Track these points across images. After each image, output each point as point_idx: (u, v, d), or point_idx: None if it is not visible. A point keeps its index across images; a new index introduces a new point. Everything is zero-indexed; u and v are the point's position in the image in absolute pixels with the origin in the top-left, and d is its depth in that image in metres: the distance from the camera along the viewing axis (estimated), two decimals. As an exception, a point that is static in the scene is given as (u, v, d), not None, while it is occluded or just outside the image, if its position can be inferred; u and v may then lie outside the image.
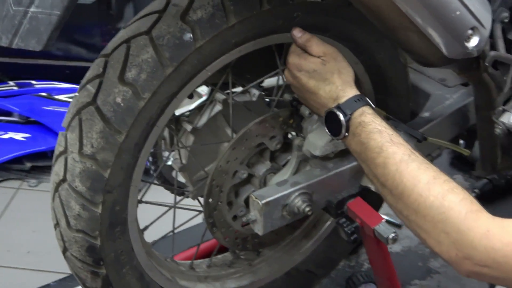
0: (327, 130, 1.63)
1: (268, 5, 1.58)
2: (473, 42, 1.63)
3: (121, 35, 1.58)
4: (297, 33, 1.66)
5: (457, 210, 1.36)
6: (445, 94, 2.13)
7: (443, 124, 2.06)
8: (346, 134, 1.58)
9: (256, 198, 1.74)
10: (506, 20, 1.88)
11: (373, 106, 1.62)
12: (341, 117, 1.57)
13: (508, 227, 1.32)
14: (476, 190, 2.93)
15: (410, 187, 1.42)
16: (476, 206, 1.37)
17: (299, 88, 1.69)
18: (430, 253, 2.72)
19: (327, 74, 1.62)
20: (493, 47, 1.84)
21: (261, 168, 1.86)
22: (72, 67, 3.83)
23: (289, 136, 1.91)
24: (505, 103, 1.99)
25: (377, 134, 1.52)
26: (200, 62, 1.56)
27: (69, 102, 3.52)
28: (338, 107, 1.58)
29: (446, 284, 2.56)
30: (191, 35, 1.52)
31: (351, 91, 1.62)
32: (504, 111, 1.97)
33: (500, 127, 1.98)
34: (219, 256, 2.09)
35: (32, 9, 1.36)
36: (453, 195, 1.38)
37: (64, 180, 1.59)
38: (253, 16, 1.58)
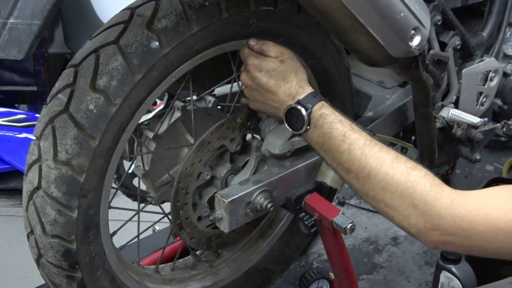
0: (287, 127, 1.73)
1: (226, 13, 1.68)
2: (416, 41, 1.77)
3: (89, 46, 1.64)
4: (253, 41, 1.77)
5: (422, 183, 1.47)
6: (385, 95, 2.28)
7: (385, 122, 2.20)
8: (308, 127, 1.68)
9: (221, 197, 1.83)
10: (439, 23, 2.03)
11: (328, 101, 1.73)
12: (303, 111, 1.68)
13: (470, 196, 1.45)
14: (411, 189, 3.07)
15: (376, 167, 1.54)
16: (438, 180, 1.50)
17: (256, 90, 1.78)
18: (374, 249, 2.85)
19: (286, 73, 1.73)
20: (429, 47, 1.99)
21: (222, 170, 1.95)
22: (5, 91, 3.81)
23: (247, 138, 2.01)
24: (443, 98, 2.15)
25: (339, 123, 1.64)
26: (166, 68, 1.65)
27: (3, 125, 3.54)
28: (299, 102, 1.70)
29: (392, 277, 2.70)
30: (158, 43, 1.61)
31: (308, 88, 1.74)
32: (443, 106, 2.12)
33: (440, 121, 2.12)
34: (181, 260, 2.15)
35: (11, 20, 1.42)
36: (416, 171, 1.50)
37: (38, 187, 1.63)
38: (214, 24, 1.68)
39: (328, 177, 1.92)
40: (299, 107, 1.69)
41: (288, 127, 1.73)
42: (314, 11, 1.68)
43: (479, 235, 1.42)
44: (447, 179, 3.26)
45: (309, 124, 1.68)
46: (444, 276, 2.36)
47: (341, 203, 3.16)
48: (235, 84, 1.97)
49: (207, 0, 1.65)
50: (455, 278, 2.32)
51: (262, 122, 1.92)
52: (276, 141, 1.87)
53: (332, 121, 1.65)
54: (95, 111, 1.58)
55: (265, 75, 1.74)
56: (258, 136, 1.97)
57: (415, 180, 1.49)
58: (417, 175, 1.50)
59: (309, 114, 1.68)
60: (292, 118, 1.71)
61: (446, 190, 1.47)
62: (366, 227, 2.99)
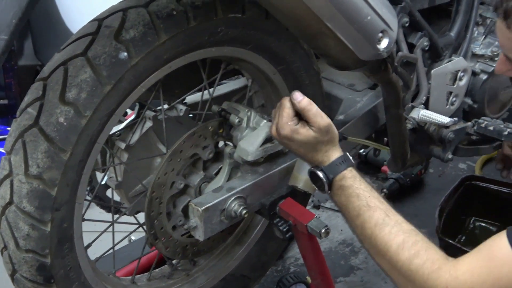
0: (313, 184, 1.79)
1: (194, 22, 1.69)
2: (384, 44, 1.78)
3: (57, 58, 1.64)
4: (297, 97, 1.73)
5: (421, 273, 1.58)
6: (356, 97, 2.29)
7: (357, 125, 2.21)
8: (329, 192, 1.76)
9: (195, 205, 1.83)
10: (407, 25, 2.05)
11: (354, 167, 1.77)
12: (325, 181, 1.74)
13: (462, 276, 1.54)
14: (385, 190, 3.10)
15: (383, 251, 1.64)
16: (437, 264, 1.58)
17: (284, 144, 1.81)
18: (350, 251, 2.86)
19: (317, 145, 1.75)
20: (398, 49, 2.01)
21: (196, 178, 1.95)
22: (-25, 104, 3.79)
23: (220, 145, 2.01)
24: (413, 100, 2.16)
25: (355, 198, 1.71)
26: (135, 78, 1.65)
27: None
28: (322, 170, 1.75)
29: (369, 279, 2.71)
30: (126, 54, 1.61)
31: (335, 154, 1.77)
32: (413, 107, 2.14)
33: (411, 122, 2.14)
34: (158, 270, 2.15)
35: (-24, 36, 1.41)
36: (417, 259, 1.59)
37: (10, 202, 1.63)
38: (182, 33, 1.68)
39: (300, 181, 1.92)
40: (321, 175, 1.75)
41: (313, 185, 1.80)
42: (282, 17, 1.69)
43: None
44: (421, 179, 3.28)
45: (329, 190, 1.75)
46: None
47: (317, 207, 3.17)
48: (205, 91, 1.98)
49: (174, 9, 1.65)
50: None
51: (234, 129, 1.92)
52: (248, 147, 1.87)
53: (349, 195, 1.72)
54: (65, 124, 1.58)
55: (295, 144, 1.76)
56: (230, 143, 1.97)
57: (415, 269, 1.58)
58: (417, 263, 1.59)
59: (330, 183, 1.74)
60: (316, 180, 1.77)
61: (442, 275, 1.56)
62: (341, 230, 3.00)
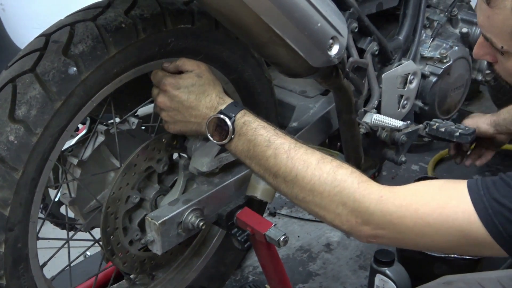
0: (211, 138, 1.71)
1: (144, 34, 1.67)
2: (334, 50, 1.79)
3: (5, 75, 1.61)
4: (166, 64, 1.76)
5: (350, 181, 1.50)
6: (308, 104, 2.29)
7: (310, 131, 2.21)
8: (233, 136, 1.68)
9: (152, 219, 1.80)
10: (356, 30, 2.06)
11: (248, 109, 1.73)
12: (227, 120, 1.67)
13: (398, 192, 1.49)
14: (340, 194, 3.10)
15: (303, 169, 1.55)
16: (365, 177, 1.53)
17: (176, 109, 1.75)
18: (308, 257, 2.86)
19: (205, 86, 1.73)
20: (348, 55, 2.02)
21: (151, 191, 1.93)
22: None
23: (174, 157, 2.00)
24: (365, 104, 2.18)
25: (263, 129, 1.65)
26: (86, 93, 1.62)
27: None
28: (221, 112, 1.69)
29: (327, 284, 2.71)
30: (75, 68, 1.58)
31: (228, 98, 1.75)
32: (365, 112, 2.15)
33: (364, 127, 2.15)
34: (115, 286, 2.12)
35: None
36: (343, 170, 1.53)
37: (-38, 224, 1.59)
38: (131, 45, 1.66)
39: (258, 191, 1.92)
40: (222, 116, 1.68)
41: (212, 139, 1.71)
42: (232, 26, 1.68)
43: (409, 230, 1.46)
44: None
45: (233, 133, 1.68)
46: (378, 279, 2.39)
47: (272, 214, 3.17)
48: (158, 103, 1.96)
49: (123, 22, 1.64)
50: (390, 281, 2.35)
51: (188, 141, 1.91)
52: (203, 158, 1.86)
53: (256, 128, 1.66)
54: (15, 142, 1.55)
55: (184, 91, 1.73)
56: (185, 155, 1.96)
57: (342, 179, 1.51)
58: (343, 173, 1.52)
59: (233, 123, 1.67)
60: (216, 129, 1.70)
61: (374, 186, 1.51)
62: (298, 236, 3.01)
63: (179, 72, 1.77)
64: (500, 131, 2.41)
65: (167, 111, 1.77)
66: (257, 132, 1.65)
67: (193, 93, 1.73)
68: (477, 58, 1.70)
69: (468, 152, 2.56)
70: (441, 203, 1.43)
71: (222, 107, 1.71)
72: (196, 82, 1.73)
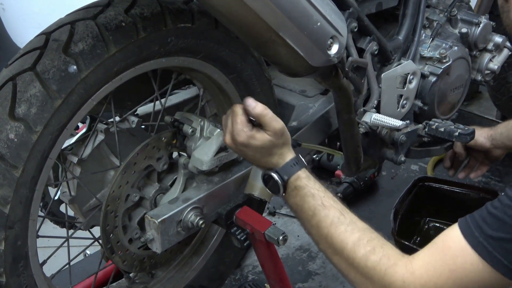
0: (267, 189, 1.80)
1: (144, 33, 1.67)
2: (334, 49, 1.79)
3: (5, 74, 1.61)
4: (251, 103, 1.71)
5: (378, 269, 1.60)
6: (308, 103, 2.30)
7: (310, 131, 2.22)
8: (284, 194, 1.76)
9: (151, 217, 1.81)
10: (355, 30, 2.06)
11: (307, 168, 1.79)
12: (279, 182, 1.74)
13: (418, 271, 1.57)
14: (339, 194, 3.11)
15: (340, 249, 1.65)
16: (393, 260, 1.60)
17: (239, 152, 1.80)
18: (308, 257, 2.87)
19: (273, 149, 1.75)
20: (348, 54, 2.02)
21: (151, 190, 1.93)
22: None
23: (174, 156, 2.00)
24: (364, 104, 2.18)
25: (311, 197, 1.72)
26: (86, 92, 1.63)
27: None
28: (276, 172, 1.75)
29: (327, 283, 2.71)
30: (76, 67, 1.59)
31: (288, 156, 1.77)
32: (365, 111, 2.15)
33: (363, 126, 2.15)
34: (114, 284, 2.13)
35: None
36: (374, 256, 1.61)
37: (-38, 222, 1.59)
38: (131, 44, 1.66)
39: (256, 189, 1.91)
40: (276, 177, 1.75)
41: (266, 188, 1.80)
42: (232, 25, 1.68)
43: None
44: (374, 182, 3.30)
45: (284, 192, 1.76)
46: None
47: (272, 213, 3.17)
48: (157, 102, 1.97)
49: (123, 21, 1.64)
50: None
51: (188, 139, 1.91)
52: (203, 157, 1.87)
53: (304, 195, 1.72)
54: (15, 140, 1.55)
55: (251, 150, 1.74)
56: (184, 154, 1.96)
57: (372, 266, 1.61)
58: (373, 260, 1.61)
59: (284, 186, 1.75)
60: (270, 183, 1.77)
61: (398, 271, 1.58)
62: (298, 236, 3.00)
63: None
64: (496, 145, 2.44)
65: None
66: (305, 199, 1.72)
67: (259, 153, 1.75)
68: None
69: (463, 165, 2.58)
70: (451, 267, 1.53)
71: (280, 166, 1.76)
72: (267, 145, 1.73)
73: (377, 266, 1.60)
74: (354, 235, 1.64)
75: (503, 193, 1.51)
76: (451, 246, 1.54)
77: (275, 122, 1.73)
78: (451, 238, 1.55)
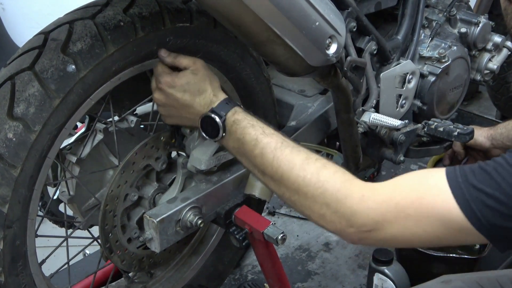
0: (204, 135, 1.74)
1: (142, 32, 1.67)
2: (332, 49, 1.80)
3: (3, 73, 1.61)
4: (164, 53, 1.75)
5: (332, 182, 1.50)
6: (307, 103, 2.30)
7: (309, 130, 2.22)
8: (224, 134, 1.71)
9: (150, 217, 1.81)
10: (354, 30, 2.06)
11: (242, 106, 1.75)
12: (217, 119, 1.70)
13: (379, 188, 1.48)
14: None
15: (288, 170, 1.56)
16: (348, 176, 1.52)
17: (172, 106, 1.77)
18: (307, 257, 2.87)
19: (200, 84, 1.74)
20: (346, 54, 2.02)
21: (149, 189, 1.93)
22: None
23: (172, 155, 2.00)
24: (363, 103, 2.18)
25: (251, 128, 1.67)
26: (84, 91, 1.63)
27: None
28: (213, 111, 1.71)
29: (326, 283, 2.71)
30: (74, 66, 1.59)
31: (221, 95, 1.76)
32: (363, 111, 2.15)
33: (362, 126, 2.15)
34: (113, 284, 2.12)
35: None
36: (326, 170, 1.53)
37: (-39, 222, 1.59)
38: (130, 44, 1.66)
39: (257, 189, 1.92)
40: (213, 115, 1.71)
41: (205, 135, 1.74)
42: (230, 25, 1.68)
43: (391, 225, 1.45)
44: (373, 181, 3.29)
45: (224, 131, 1.70)
46: (377, 278, 2.39)
47: (271, 213, 3.17)
48: (156, 102, 1.97)
49: (121, 20, 1.64)
50: (388, 279, 2.35)
51: (186, 139, 1.91)
52: (201, 156, 1.87)
53: (244, 126, 1.67)
54: (14, 139, 1.55)
55: (179, 89, 1.74)
56: (183, 153, 1.96)
57: (325, 180, 1.51)
58: (326, 174, 1.52)
59: (223, 122, 1.70)
60: (208, 127, 1.73)
61: (356, 185, 1.49)
62: (297, 235, 3.01)
63: (176, 67, 1.77)
64: (496, 145, 2.43)
65: (163, 106, 1.80)
66: (246, 131, 1.67)
67: (188, 91, 1.74)
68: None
69: (462, 163, 2.58)
70: (420, 194, 1.43)
71: (214, 105, 1.73)
72: (191, 80, 1.74)
73: (330, 179, 1.50)
74: (301, 154, 1.57)
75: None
76: (429, 179, 1.45)
77: (189, 58, 1.75)
78: (432, 174, 1.46)
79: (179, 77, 1.74)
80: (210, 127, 1.72)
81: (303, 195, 1.54)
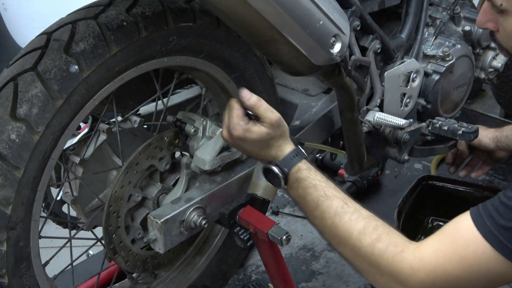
0: (269, 183, 1.78)
1: (145, 32, 1.67)
2: (337, 48, 1.79)
3: (6, 74, 1.61)
4: (246, 94, 1.71)
5: (385, 256, 1.58)
6: (311, 102, 2.29)
7: (313, 130, 2.21)
8: (285, 187, 1.74)
9: (154, 218, 1.81)
10: (358, 28, 2.05)
11: (308, 160, 1.76)
12: (280, 174, 1.72)
13: (426, 257, 1.56)
14: (342, 193, 3.09)
15: (345, 239, 1.64)
16: (400, 247, 1.59)
17: (237, 147, 1.79)
18: (311, 256, 2.86)
19: (270, 141, 1.73)
20: (350, 53, 2.01)
21: (153, 190, 1.93)
22: None
23: (176, 156, 1.99)
24: (367, 102, 2.17)
25: (312, 189, 1.69)
26: (87, 91, 1.62)
27: None
28: (277, 165, 1.73)
29: (330, 283, 2.71)
30: (77, 67, 1.58)
31: (288, 147, 1.75)
32: (368, 110, 2.14)
33: (367, 125, 2.14)
34: (117, 285, 2.12)
35: None
36: (380, 243, 1.60)
37: (-36, 223, 1.59)
38: (133, 44, 1.66)
39: (260, 188, 1.91)
40: (277, 170, 1.72)
41: (269, 183, 1.78)
42: (234, 24, 1.68)
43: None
44: (377, 181, 3.29)
45: (286, 184, 1.73)
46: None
47: (275, 213, 3.16)
48: (159, 102, 1.96)
49: (124, 20, 1.63)
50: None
51: (190, 139, 1.90)
52: (205, 157, 1.86)
53: (306, 186, 1.70)
54: (17, 140, 1.55)
55: (248, 143, 1.73)
56: (187, 154, 1.96)
57: (379, 254, 1.59)
58: (380, 247, 1.59)
59: (284, 178, 1.72)
60: (271, 177, 1.75)
61: (406, 257, 1.57)
62: (301, 235, 2.99)
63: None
64: (500, 147, 2.42)
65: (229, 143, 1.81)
66: (307, 191, 1.70)
67: (257, 146, 1.74)
68: (480, 26, 1.75)
69: (465, 162, 2.57)
70: (462, 254, 1.52)
71: (279, 159, 1.74)
72: (264, 138, 1.72)
73: (384, 253, 1.58)
74: (359, 223, 1.62)
75: None
76: (463, 234, 1.53)
77: (271, 113, 1.71)
78: (462, 226, 1.54)
79: (252, 132, 1.71)
80: (273, 177, 1.75)
81: (359, 262, 1.65)
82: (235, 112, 1.71)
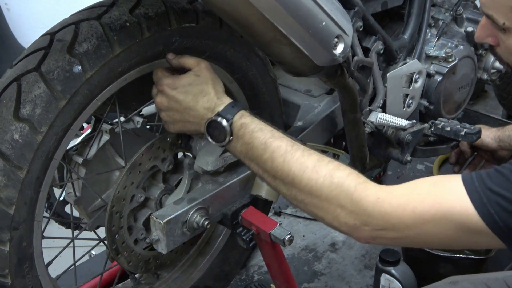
0: (210, 140, 1.72)
1: (148, 33, 1.67)
2: (339, 49, 1.79)
3: (9, 74, 1.61)
4: (171, 55, 1.74)
5: (347, 184, 1.50)
6: (313, 103, 2.29)
7: (315, 130, 2.21)
8: (231, 138, 1.68)
9: (157, 218, 1.81)
10: (361, 29, 2.05)
11: (248, 109, 1.73)
12: (224, 122, 1.67)
13: (395, 191, 1.50)
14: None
15: (299, 173, 1.55)
16: (362, 178, 1.52)
17: (174, 109, 1.74)
18: (313, 257, 2.86)
19: (203, 85, 1.71)
20: (353, 54, 2.01)
21: (156, 191, 1.93)
22: None
23: (179, 156, 2.00)
24: (370, 103, 2.17)
25: (259, 132, 1.65)
26: (90, 92, 1.62)
27: None
28: (219, 114, 1.69)
29: (333, 283, 2.71)
30: (80, 67, 1.58)
31: (226, 99, 1.73)
32: (370, 111, 2.14)
33: (369, 126, 2.14)
34: (120, 285, 2.12)
35: None
36: (339, 172, 1.53)
37: (-33, 223, 1.59)
38: (136, 44, 1.66)
39: (263, 190, 1.92)
40: (219, 119, 1.68)
41: (211, 140, 1.72)
42: (236, 25, 1.68)
43: (408, 229, 1.47)
44: (379, 181, 3.29)
45: (231, 135, 1.68)
46: (384, 278, 2.39)
47: (277, 213, 3.16)
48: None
49: (127, 21, 1.63)
50: (395, 280, 2.34)
51: (193, 140, 1.90)
52: (208, 157, 1.86)
53: (252, 130, 1.65)
54: (20, 141, 1.55)
55: (181, 91, 1.72)
56: (189, 154, 1.96)
57: (339, 182, 1.51)
58: (340, 176, 1.52)
59: (230, 125, 1.67)
60: (214, 131, 1.70)
61: (371, 187, 1.50)
62: (304, 235, 3.00)
63: (181, 69, 1.76)
64: (503, 147, 2.42)
65: (165, 111, 1.77)
66: (254, 135, 1.65)
67: (190, 93, 1.71)
68: (479, 40, 1.71)
69: (468, 161, 2.57)
70: (438, 199, 1.44)
71: (220, 108, 1.70)
72: (194, 81, 1.72)
73: (345, 181, 1.50)
74: (313, 157, 1.56)
75: None
76: (446, 184, 1.46)
77: (194, 59, 1.73)
78: (449, 179, 1.47)
79: (181, 78, 1.73)
80: (217, 131, 1.69)
81: (316, 197, 1.54)
82: (159, 74, 1.74)
